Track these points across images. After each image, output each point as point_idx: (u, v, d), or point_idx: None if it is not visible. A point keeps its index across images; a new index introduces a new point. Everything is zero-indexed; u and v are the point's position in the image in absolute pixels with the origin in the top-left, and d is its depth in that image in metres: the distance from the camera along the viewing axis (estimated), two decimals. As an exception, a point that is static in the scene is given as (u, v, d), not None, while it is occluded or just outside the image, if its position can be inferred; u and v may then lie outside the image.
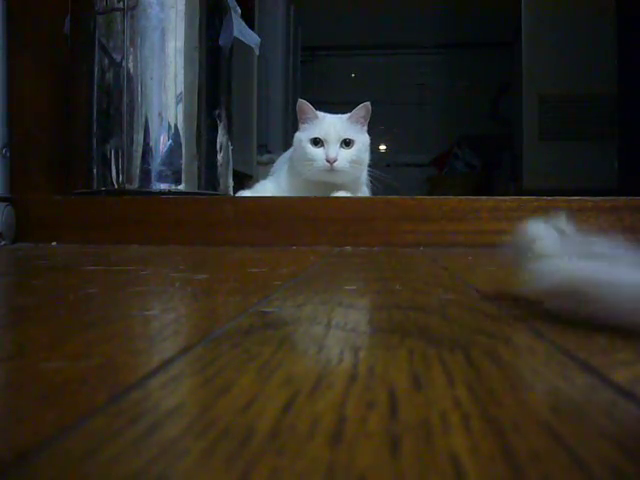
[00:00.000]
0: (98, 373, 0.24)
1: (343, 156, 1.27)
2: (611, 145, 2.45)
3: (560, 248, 0.36)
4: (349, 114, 1.32)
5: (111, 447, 0.16)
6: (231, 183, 1.48)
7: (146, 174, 1.28)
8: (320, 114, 1.32)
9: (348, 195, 1.27)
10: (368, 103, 1.30)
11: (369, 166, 1.39)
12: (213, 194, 1.37)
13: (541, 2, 2.52)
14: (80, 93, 1.33)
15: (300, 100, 1.32)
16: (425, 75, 3.71)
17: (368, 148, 1.34)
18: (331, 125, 1.28)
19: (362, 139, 1.31)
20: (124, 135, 1.28)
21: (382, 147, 3.73)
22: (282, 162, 1.51)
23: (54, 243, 1.20)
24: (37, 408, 0.20)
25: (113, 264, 0.82)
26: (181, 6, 1.32)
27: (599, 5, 2.45)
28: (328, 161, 1.25)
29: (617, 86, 2.44)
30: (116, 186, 1.28)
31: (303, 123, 1.32)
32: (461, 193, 1.42)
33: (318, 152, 1.27)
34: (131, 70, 1.28)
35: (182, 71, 1.31)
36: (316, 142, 1.28)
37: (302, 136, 1.30)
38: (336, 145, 1.27)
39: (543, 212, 0.39)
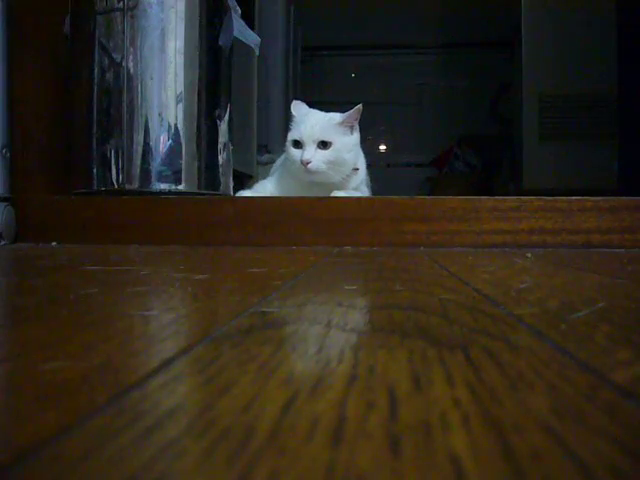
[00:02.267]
0: (98, 373, 0.24)
1: (318, 157, 1.27)
2: (611, 145, 2.45)
3: None
4: (339, 115, 1.31)
5: (111, 447, 0.16)
6: (231, 183, 1.48)
7: (146, 174, 1.28)
8: (306, 112, 1.34)
9: (348, 195, 1.27)
10: (360, 105, 1.30)
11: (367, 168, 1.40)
12: (213, 194, 1.37)
13: (541, 2, 2.52)
14: (80, 93, 1.33)
15: (294, 101, 1.35)
16: (425, 75, 3.71)
17: (353, 149, 1.33)
18: (309, 127, 1.29)
19: (344, 140, 1.30)
20: (124, 135, 1.27)
21: (382, 147, 3.73)
22: (281, 162, 1.51)
23: (54, 243, 1.20)
24: (37, 408, 0.20)
25: (113, 264, 0.82)
26: (181, 6, 1.31)
27: (599, 5, 2.45)
28: (302, 162, 1.27)
29: (617, 86, 2.44)
30: (116, 186, 1.28)
31: (292, 123, 1.35)
32: (461, 193, 1.42)
33: (297, 153, 1.29)
34: (131, 70, 1.28)
35: (182, 71, 1.31)
36: (296, 143, 1.30)
37: (288, 137, 1.33)
38: (312, 147, 1.28)
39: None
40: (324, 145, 1.28)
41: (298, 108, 1.33)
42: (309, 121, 1.31)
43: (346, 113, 1.31)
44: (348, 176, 1.34)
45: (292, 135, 1.31)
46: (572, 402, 0.21)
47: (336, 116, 1.32)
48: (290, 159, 1.31)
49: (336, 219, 1.19)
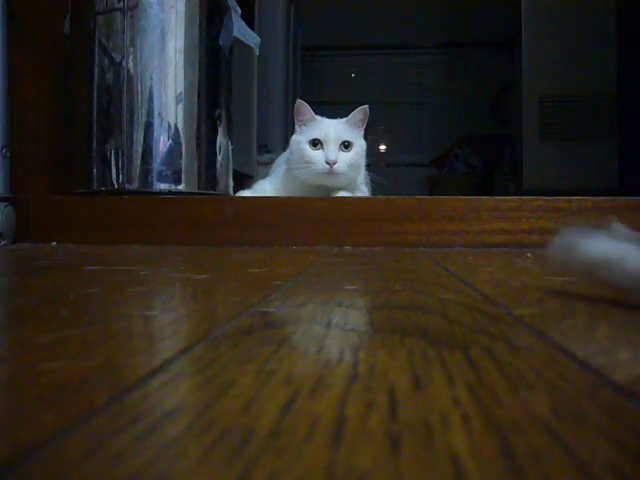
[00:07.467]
0: (98, 373, 0.24)
1: (342, 159, 1.25)
2: (611, 145, 2.45)
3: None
4: (347, 117, 1.30)
5: (111, 447, 0.16)
6: (231, 183, 1.48)
7: (146, 174, 1.28)
8: (318, 117, 1.31)
9: (348, 195, 1.27)
10: (366, 106, 1.29)
11: (366, 169, 1.39)
12: (213, 194, 1.37)
13: (541, 2, 2.52)
14: (80, 93, 1.33)
15: (299, 100, 1.30)
16: (425, 75, 3.71)
17: (365, 153, 1.33)
18: (330, 127, 1.26)
19: (360, 142, 1.30)
20: (124, 135, 1.27)
21: (382, 147, 3.73)
22: (280, 162, 1.50)
23: (54, 243, 1.20)
24: (37, 408, 0.20)
25: (113, 264, 0.82)
26: (181, 6, 1.31)
27: (599, 5, 2.45)
28: (328, 163, 1.23)
29: (617, 86, 2.44)
30: (116, 186, 1.28)
31: (301, 125, 1.30)
32: (461, 193, 1.42)
33: (317, 154, 1.25)
34: (131, 70, 1.28)
35: (182, 71, 1.31)
36: (315, 144, 1.26)
37: (300, 138, 1.28)
38: (336, 147, 1.25)
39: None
40: (346, 146, 1.26)
41: (305, 109, 1.29)
42: (328, 121, 1.28)
43: (351, 114, 1.30)
44: (355, 179, 1.33)
45: (310, 135, 1.26)
46: (572, 402, 0.21)
47: (343, 119, 1.31)
48: (306, 160, 1.25)
49: (336, 219, 1.19)
